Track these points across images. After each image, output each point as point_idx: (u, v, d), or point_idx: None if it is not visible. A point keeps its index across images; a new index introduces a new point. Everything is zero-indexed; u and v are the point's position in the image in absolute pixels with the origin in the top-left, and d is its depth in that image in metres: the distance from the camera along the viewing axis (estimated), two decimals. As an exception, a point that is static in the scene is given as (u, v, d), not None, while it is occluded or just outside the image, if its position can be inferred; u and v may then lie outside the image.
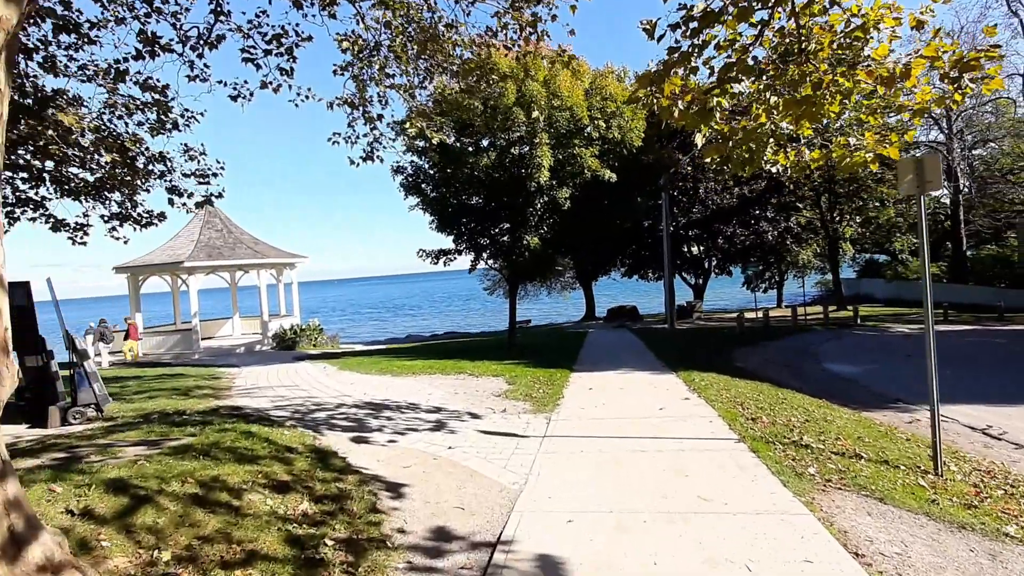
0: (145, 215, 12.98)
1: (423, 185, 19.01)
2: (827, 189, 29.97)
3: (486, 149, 18.49)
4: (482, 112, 16.97)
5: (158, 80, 10.02)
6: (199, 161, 11.67)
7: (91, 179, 12.02)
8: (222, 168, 11.94)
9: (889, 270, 40.04)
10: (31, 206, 12.29)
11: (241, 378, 13.99)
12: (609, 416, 8.56)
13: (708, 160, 5.61)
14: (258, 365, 17.93)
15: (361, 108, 9.70)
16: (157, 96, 10.88)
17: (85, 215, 12.69)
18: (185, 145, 11.43)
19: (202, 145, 11.68)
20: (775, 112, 4.93)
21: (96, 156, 10.44)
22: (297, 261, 26.37)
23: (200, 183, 11.72)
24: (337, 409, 9.18)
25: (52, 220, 12.49)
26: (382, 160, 10.20)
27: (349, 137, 9.84)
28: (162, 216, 13.30)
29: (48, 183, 12.14)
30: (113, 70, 9.34)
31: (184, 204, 12.26)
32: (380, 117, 10.11)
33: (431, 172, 19.10)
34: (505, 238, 19.39)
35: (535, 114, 15.54)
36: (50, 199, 12.43)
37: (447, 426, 8.18)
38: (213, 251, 23.63)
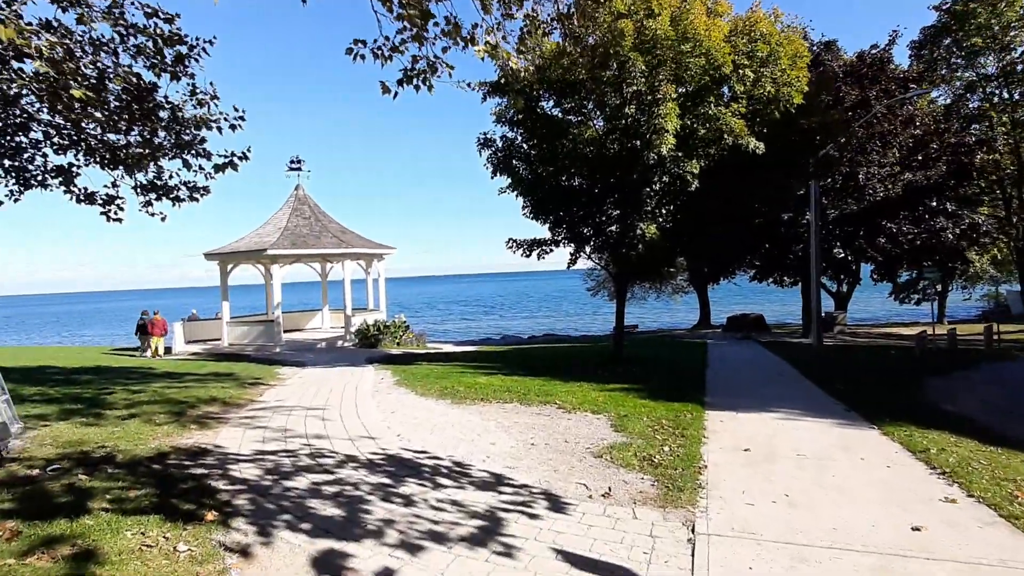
0: (181, 187, 10.36)
1: (515, 162, 15.24)
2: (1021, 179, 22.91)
3: (591, 116, 14.40)
4: (589, 65, 12.92)
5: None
6: (209, 108, 8.61)
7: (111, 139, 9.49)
8: (241, 119, 8.81)
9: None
10: (61, 176, 10.04)
11: (282, 387, 10.92)
12: (815, 540, 4.27)
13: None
14: (322, 367, 15.03)
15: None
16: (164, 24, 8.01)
17: (114, 185, 10.27)
18: (192, 86, 8.36)
19: (212, 85, 8.60)
20: None
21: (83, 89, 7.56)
22: (384, 252, 23.63)
23: (209, 131, 8.65)
24: (338, 469, 5.55)
25: (80, 192, 10.26)
26: (430, 88, 6.52)
27: (380, 48, 6.25)
28: (203, 190, 10.65)
29: (73, 148, 9.80)
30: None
31: (201, 168, 9.34)
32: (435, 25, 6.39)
33: (524, 147, 15.30)
34: (613, 227, 15.19)
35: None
36: (77, 166, 10.14)
37: (502, 530, 4.29)
38: (298, 239, 21.35)
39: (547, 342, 27.51)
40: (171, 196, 10.80)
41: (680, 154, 12.97)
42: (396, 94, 6.54)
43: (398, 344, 21.78)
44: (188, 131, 9.10)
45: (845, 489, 5.45)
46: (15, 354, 20.54)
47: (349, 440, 6.63)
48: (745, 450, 6.71)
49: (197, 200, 11.11)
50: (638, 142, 13.36)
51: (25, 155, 10.01)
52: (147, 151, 9.42)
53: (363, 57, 6.30)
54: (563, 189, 15.01)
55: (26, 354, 20.57)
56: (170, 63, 8.09)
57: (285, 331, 23.26)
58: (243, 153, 9.12)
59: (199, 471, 5.25)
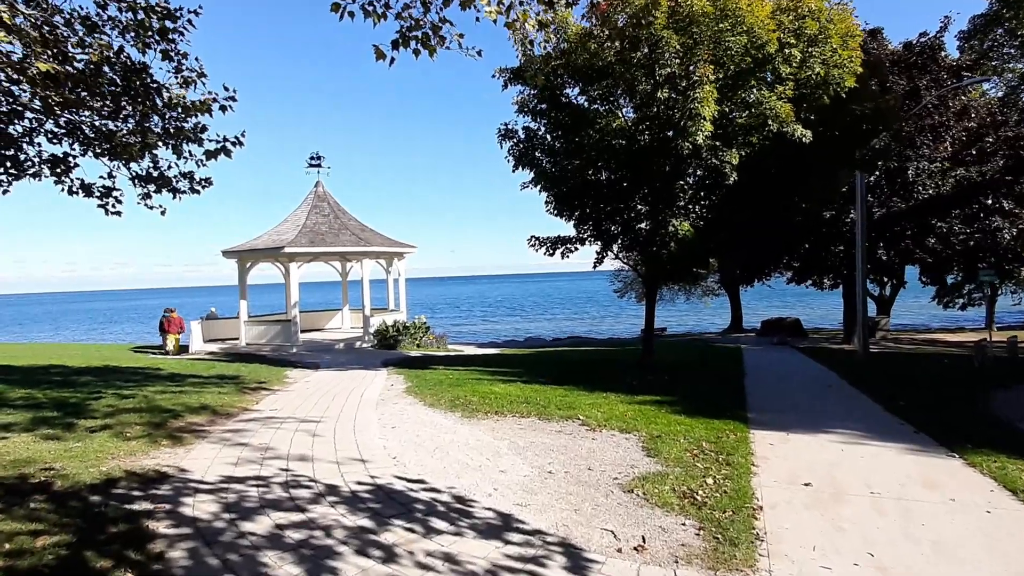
0: (180, 178, 9.60)
1: (537, 155, 14.14)
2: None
3: (619, 104, 13.24)
4: (618, 47, 11.76)
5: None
6: (196, 86, 7.73)
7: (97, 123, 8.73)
8: (232, 99, 7.91)
9: None
10: (58, 166, 9.35)
11: (283, 393, 10.02)
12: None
13: None
14: (334, 370, 14.15)
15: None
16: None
17: (110, 175, 9.56)
18: (168, 53, 7.47)
19: (198, 62, 7.71)
20: None
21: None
22: (405, 251, 22.75)
23: (194, 114, 7.77)
24: (312, 506, 4.54)
25: (73, 183, 9.60)
26: (432, 52, 5.47)
27: (372, 4, 5.20)
28: (204, 182, 9.87)
29: (69, 137, 9.10)
30: None
31: (190, 153, 8.49)
32: None
33: (547, 138, 14.20)
34: (643, 224, 13.99)
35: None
36: (73, 156, 9.46)
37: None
38: (317, 237, 20.59)
39: (571, 345, 26.33)
40: (169, 188, 10.05)
41: (717, 143, 11.72)
42: (392, 60, 5.56)
43: (418, 346, 20.87)
44: (183, 116, 8.26)
45: (942, 545, 4.23)
46: (34, 351, 20.22)
47: (335, 464, 5.62)
48: (805, 484, 5.51)
49: (199, 192, 10.30)
50: (671, 132, 12.17)
51: (16, 145, 9.34)
52: (139, 139, 8.63)
53: (352, 15, 5.33)
54: (588, 183, 13.86)
55: (46, 351, 20.23)
56: (155, 36, 7.24)
57: (304, 331, 22.57)
58: (236, 138, 8.23)
59: (143, 506, 4.30)
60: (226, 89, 7.86)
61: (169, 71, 7.54)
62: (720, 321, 43.72)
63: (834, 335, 26.57)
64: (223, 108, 7.85)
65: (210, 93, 7.72)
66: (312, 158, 22.51)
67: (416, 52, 5.50)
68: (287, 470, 5.37)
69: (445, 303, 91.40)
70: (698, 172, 12.62)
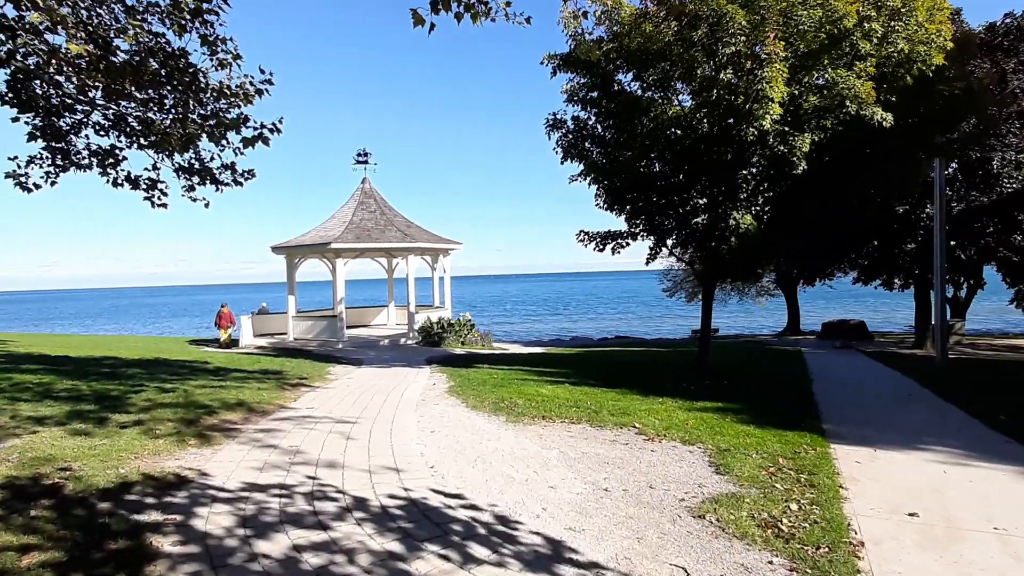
0: (223, 170, 9.38)
1: (587, 145, 13.38)
2: None
3: (676, 90, 12.35)
4: (676, 28, 10.90)
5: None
6: (231, 68, 7.36)
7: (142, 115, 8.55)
8: (269, 82, 7.52)
9: None
10: (106, 159, 9.26)
11: (323, 390, 9.64)
12: None
13: None
14: (377, 366, 13.79)
15: None
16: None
17: (155, 167, 9.41)
18: (207, 38, 7.11)
19: (232, 42, 7.32)
20: None
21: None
22: (450, 247, 22.34)
23: (232, 104, 7.41)
24: (336, 523, 3.97)
25: (118, 175, 9.52)
26: (475, 17, 4.85)
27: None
28: (247, 174, 9.64)
29: (115, 129, 8.98)
30: None
31: (227, 141, 8.16)
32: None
33: (598, 127, 13.42)
34: (699, 218, 13.05)
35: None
36: (120, 148, 9.35)
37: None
38: (363, 233, 20.39)
39: (619, 345, 25.39)
40: (212, 179, 9.83)
41: (786, 128, 10.71)
42: (432, 27, 4.97)
43: (462, 343, 20.41)
44: (226, 108, 7.95)
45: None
46: (95, 343, 20.78)
47: (367, 473, 5.06)
48: (911, 515, 4.61)
49: (241, 184, 10.06)
50: (732, 118, 11.22)
51: (65, 138, 9.28)
52: (181, 129, 8.38)
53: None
54: (641, 175, 13.01)
55: (107, 343, 20.76)
56: (190, 16, 6.90)
57: (350, 327, 22.47)
58: (273, 125, 7.84)
59: (152, 517, 3.83)
60: (262, 72, 7.48)
61: (205, 53, 7.17)
62: (774, 323, 41.82)
63: (902, 339, 24.68)
64: (259, 92, 7.47)
65: (246, 76, 7.35)
66: (359, 154, 22.38)
67: (458, 16, 4.89)
68: (314, 478, 4.85)
69: (487, 301, 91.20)
70: (762, 161, 11.58)
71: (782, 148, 10.83)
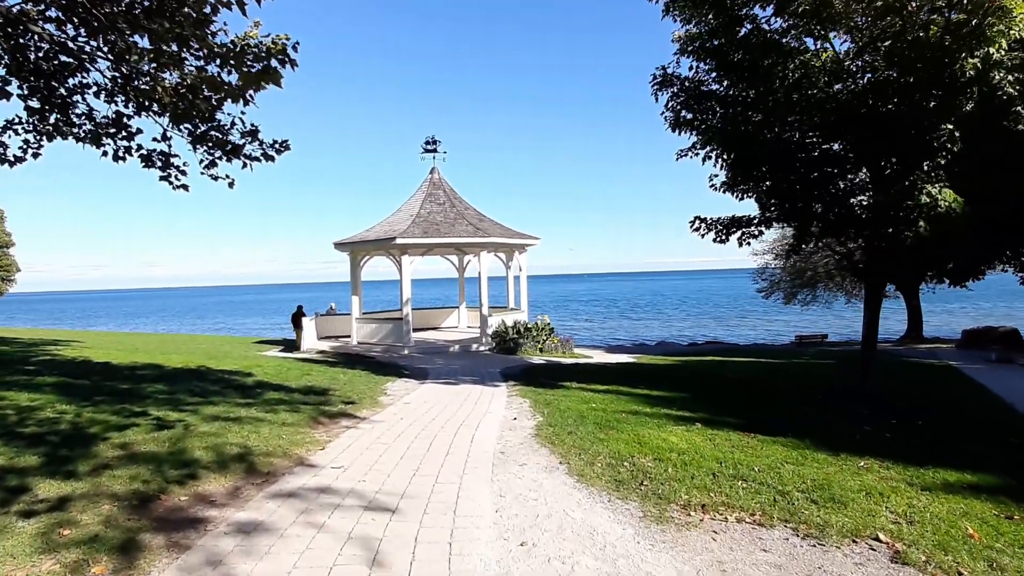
0: (246, 139, 7.14)
1: (712, 104, 10.20)
2: None
3: (825, 28, 9.00)
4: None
5: None
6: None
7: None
8: (289, 42, 4.94)
9: None
10: (121, 130, 7.22)
11: (366, 426, 7.06)
12: None
13: None
14: (443, 381, 11.19)
15: None
16: None
17: (165, 137, 7.23)
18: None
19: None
20: None
21: None
22: (527, 243, 19.54)
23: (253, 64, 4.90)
24: None
25: (116, 147, 7.36)
26: None
27: None
28: (281, 146, 7.38)
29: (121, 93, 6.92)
30: None
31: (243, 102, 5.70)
32: None
33: (723, 84, 10.22)
34: (862, 196, 9.63)
35: None
36: (128, 115, 7.21)
37: None
38: (431, 227, 17.96)
39: (714, 353, 21.72)
40: (234, 151, 7.50)
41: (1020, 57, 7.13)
42: None
43: (540, 350, 17.56)
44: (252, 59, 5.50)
45: None
46: (158, 344, 19.51)
47: None
48: None
49: (273, 159, 7.71)
50: (928, 53, 7.73)
51: (61, 100, 7.22)
52: (174, 75, 6.05)
53: None
54: (780, 145, 9.69)
55: (165, 346, 19.44)
56: None
57: (418, 329, 20.16)
58: (283, 46, 5.25)
59: None
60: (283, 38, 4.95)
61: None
62: (897, 327, 36.39)
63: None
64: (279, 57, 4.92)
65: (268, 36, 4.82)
66: (427, 142, 20.00)
67: None
68: None
69: (554, 301, 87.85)
70: (973, 111, 7.99)
71: (1012, 91, 7.25)
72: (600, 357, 18.36)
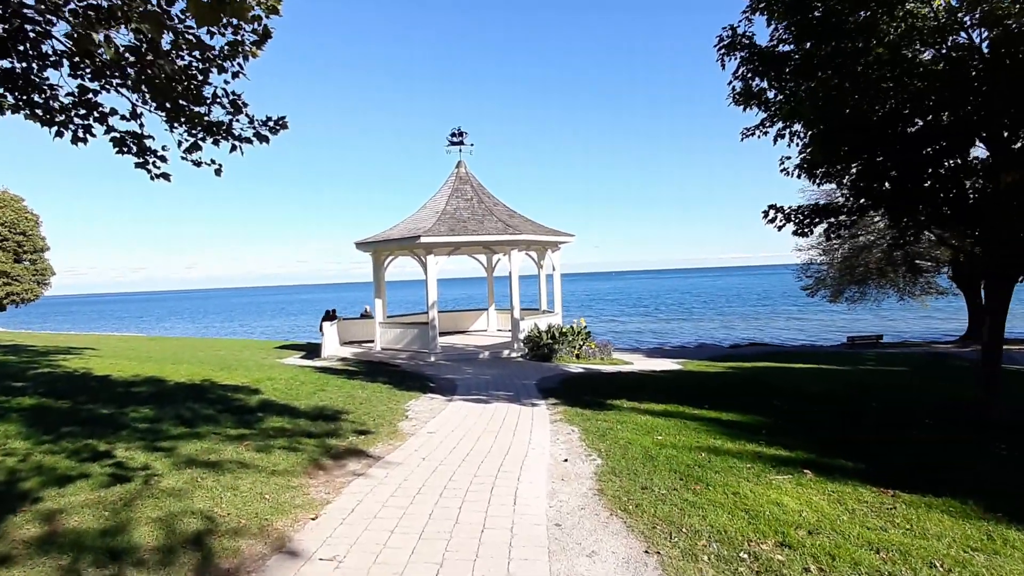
0: (239, 119, 5.61)
1: (785, 73, 8.39)
2: None
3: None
4: None
5: None
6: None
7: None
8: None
9: None
10: (92, 110, 5.76)
11: (378, 470, 5.55)
12: None
13: None
14: (473, 398, 9.64)
15: None
16: None
17: (135, 115, 5.76)
18: None
19: None
20: None
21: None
22: (561, 241, 17.85)
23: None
24: None
25: (78, 128, 5.84)
26: None
27: None
28: (278, 124, 5.81)
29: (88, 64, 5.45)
30: None
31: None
32: None
33: (803, 49, 8.40)
34: (977, 178, 7.77)
35: None
36: (95, 91, 5.71)
37: None
38: (457, 224, 16.43)
39: (761, 357, 19.75)
40: (220, 130, 6.06)
41: None
42: None
43: (577, 356, 15.90)
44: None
45: None
46: (171, 351, 18.44)
47: None
48: None
49: (267, 140, 6.15)
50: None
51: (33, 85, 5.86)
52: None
53: None
54: (876, 120, 7.87)
55: (176, 354, 18.37)
56: None
57: (446, 333, 18.71)
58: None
59: None
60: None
61: None
62: (940, 325, 33.65)
63: None
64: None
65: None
66: (453, 134, 18.46)
67: None
68: None
69: (583, 300, 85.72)
70: None
71: None
72: (641, 363, 16.59)
